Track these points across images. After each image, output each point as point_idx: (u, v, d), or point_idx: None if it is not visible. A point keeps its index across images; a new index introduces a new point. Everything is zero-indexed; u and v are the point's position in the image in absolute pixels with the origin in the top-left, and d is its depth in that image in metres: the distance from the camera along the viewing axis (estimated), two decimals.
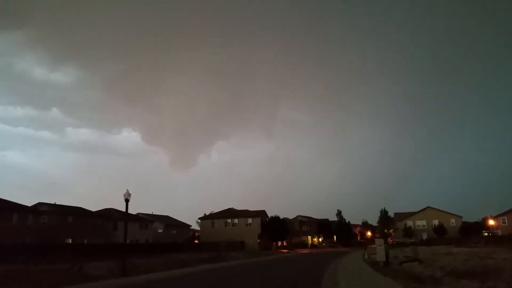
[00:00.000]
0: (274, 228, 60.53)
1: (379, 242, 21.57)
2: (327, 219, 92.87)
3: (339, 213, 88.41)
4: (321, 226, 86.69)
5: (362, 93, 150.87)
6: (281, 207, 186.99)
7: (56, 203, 47.82)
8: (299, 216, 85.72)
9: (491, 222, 69.67)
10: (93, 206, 78.66)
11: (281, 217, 64.98)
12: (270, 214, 65.55)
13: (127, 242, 33.47)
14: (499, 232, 68.50)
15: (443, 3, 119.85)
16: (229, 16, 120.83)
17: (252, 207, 67.49)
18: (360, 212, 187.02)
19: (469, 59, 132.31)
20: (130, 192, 20.05)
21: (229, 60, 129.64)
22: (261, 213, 65.69)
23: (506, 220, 69.56)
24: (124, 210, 20.87)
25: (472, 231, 66.25)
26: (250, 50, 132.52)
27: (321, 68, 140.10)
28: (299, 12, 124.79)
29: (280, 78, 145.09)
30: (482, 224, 72.33)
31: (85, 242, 44.68)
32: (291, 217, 79.06)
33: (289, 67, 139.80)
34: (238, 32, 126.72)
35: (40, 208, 44.79)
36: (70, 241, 42.99)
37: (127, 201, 20.00)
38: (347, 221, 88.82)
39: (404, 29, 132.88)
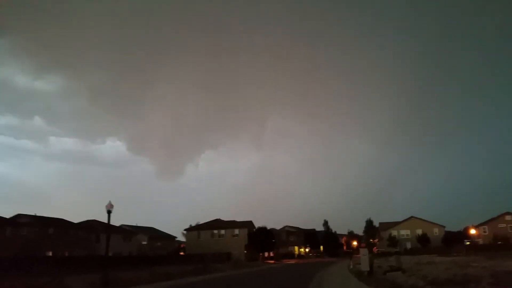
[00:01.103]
0: (261, 239, 60.17)
1: (364, 252, 22.19)
2: (314, 229, 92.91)
3: (325, 223, 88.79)
4: (308, 237, 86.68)
5: (349, 105, 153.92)
6: (268, 218, 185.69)
7: (37, 215, 46.52)
8: (286, 226, 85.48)
9: (473, 231, 71.24)
10: (76, 217, 76.44)
11: (268, 228, 64.69)
12: (257, 224, 65.28)
13: (110, 254, 32.77)
14: (480, 241, 70.04)
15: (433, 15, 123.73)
16: (218, 25, 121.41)
17: (239, 218, 67.04)
18: (346, 222, 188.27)
19: (454, 72, 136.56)
20: (113, 203, 19.80)
21: (218, 69, 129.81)
22: (248, 224, 65.29)
23: (486, 229, 71.25)
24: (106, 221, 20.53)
25: (454, 240, 67.52)
26: (240, 59, 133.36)
27: (311, 80, 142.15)
28: (289, 23, 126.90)
29: (270, 89, 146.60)
30: (464, 234, 73.83)
31: (67, 254, 43.42)
32: (278, 227, 78.82)
33: (278, 78, 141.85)
34: (227, 41, 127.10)
35: (20, 220, 43.44)
36: (51, 254, 41.71)
37: (109, 212, 19.72)
38: (333, 231, 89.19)
39: (391, 44, 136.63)
